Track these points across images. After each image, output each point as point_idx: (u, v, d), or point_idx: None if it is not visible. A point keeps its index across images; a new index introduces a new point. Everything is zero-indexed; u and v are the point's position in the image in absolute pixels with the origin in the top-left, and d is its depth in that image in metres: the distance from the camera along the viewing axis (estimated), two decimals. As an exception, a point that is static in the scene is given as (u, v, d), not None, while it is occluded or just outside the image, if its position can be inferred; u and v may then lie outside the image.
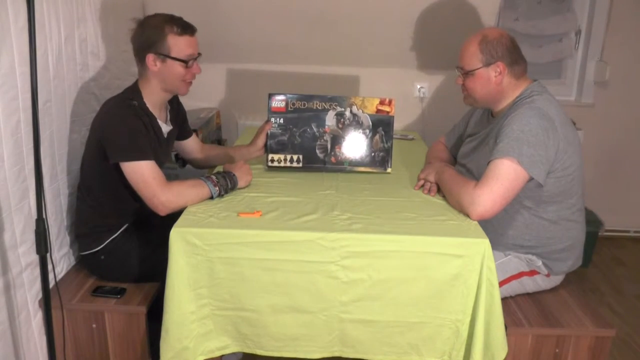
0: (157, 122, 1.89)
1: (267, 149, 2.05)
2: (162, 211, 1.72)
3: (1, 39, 1.56)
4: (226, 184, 1.77)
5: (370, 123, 2.04)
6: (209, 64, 2.94)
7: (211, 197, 1.75)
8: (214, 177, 1.77)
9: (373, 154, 2.06)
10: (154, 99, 1.87)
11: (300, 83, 2.98)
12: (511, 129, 1.65)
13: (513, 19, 3.07)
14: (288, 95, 2.02)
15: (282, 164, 2.05)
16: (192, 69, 1.84)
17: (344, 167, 2.06)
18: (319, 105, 2.03)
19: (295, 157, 2.03)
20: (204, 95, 3.02)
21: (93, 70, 2.15)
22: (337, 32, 2.77)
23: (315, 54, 2.87)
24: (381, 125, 2.05)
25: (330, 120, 2.04)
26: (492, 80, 1.78)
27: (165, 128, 1.94)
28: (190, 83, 1.89)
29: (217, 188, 1.75)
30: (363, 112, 2.04)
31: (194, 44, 1.84)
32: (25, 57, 1.60)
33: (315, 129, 2.03)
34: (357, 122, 2.04)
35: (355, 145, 2.05)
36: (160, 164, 1.90)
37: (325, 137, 2.04)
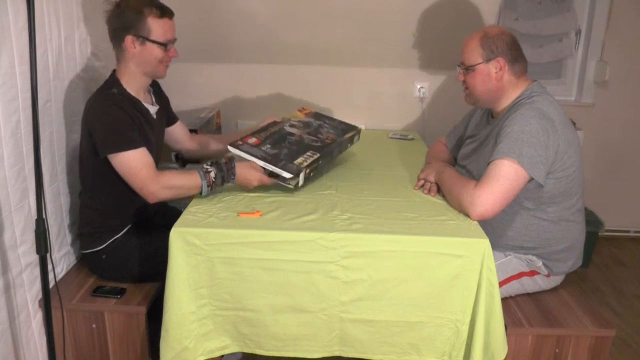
0: (143, 105, 1.88)
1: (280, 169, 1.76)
2: (152, 200, 1.73)
3: (1, 39, 1.56)
4: (221, 176, 1.73)
5: (307, 122, 2.10)
6: (209, 63, 2.95)
7: (201, 192, 1.73)
8: (208, 167, 1.73)
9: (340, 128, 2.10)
10: (135, 85, 1.86)
11: (300, 83, 2.98)
12: (511, 130, 1.65)
13: (513, 19, 3.06)
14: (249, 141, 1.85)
15: (308, 162, 1.80)
16: (169, 52, 1.84)
17: (340, 140, 2.04)
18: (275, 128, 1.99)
19: (309, 152, 1.86)
20: (204, 95, 3.01)
21: (93, 70, 2.15)
22: (338, 32, 2.76)
23: (316, 53, 2.87)
24: (317, 119, 2.13)
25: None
26: (493, 76, 1.78)
27: (152, 108, 1.94)
28: (168, 65, 1.88)
29: (207, 182, 1.70)
30: (292, 123, 2.05)
31: (172, 28, 1.83)
32: (25, 57, 1.60)
33: (291, 138, 1.94)
34: (305, 131, 2.01)
35: (324, 133, 2.05)
36: (155, 147, 1.90)
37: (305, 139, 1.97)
